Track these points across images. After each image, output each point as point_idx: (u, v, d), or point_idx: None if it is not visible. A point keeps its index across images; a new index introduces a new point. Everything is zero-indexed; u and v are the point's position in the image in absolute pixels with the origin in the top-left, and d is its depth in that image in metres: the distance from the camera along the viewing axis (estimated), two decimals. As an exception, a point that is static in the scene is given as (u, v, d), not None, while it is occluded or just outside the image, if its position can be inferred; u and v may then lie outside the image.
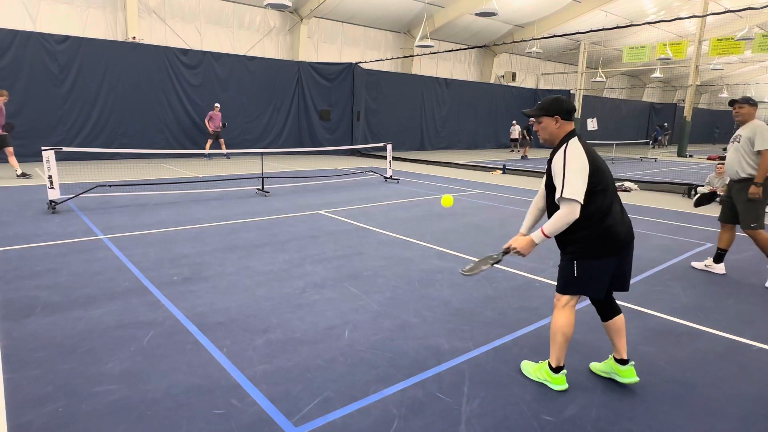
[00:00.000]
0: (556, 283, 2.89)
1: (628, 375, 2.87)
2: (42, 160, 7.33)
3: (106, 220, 6.82)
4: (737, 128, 4.97)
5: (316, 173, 13.21)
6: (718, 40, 20.27)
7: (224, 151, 12.02)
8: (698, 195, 5.33)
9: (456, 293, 4.35)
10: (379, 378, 2.90)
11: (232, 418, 2.49)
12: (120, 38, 16.93)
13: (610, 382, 2.93)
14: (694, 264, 5.38)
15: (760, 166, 4.64)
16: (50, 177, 7.20)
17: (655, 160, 21.51)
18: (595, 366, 3.07)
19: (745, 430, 2.51)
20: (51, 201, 7.23)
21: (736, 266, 5.41)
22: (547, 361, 2.90)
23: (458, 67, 28.91)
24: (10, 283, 4.27)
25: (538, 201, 3.03)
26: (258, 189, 9.82)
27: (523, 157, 20.36)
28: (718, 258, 5.20)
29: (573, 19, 25.29)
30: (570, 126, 2.78)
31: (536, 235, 2.73)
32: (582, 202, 2.58)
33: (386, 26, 24.70)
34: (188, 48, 17.06)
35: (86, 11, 16.57)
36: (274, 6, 14.55)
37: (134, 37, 16.89)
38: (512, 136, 24.13)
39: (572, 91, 29.16)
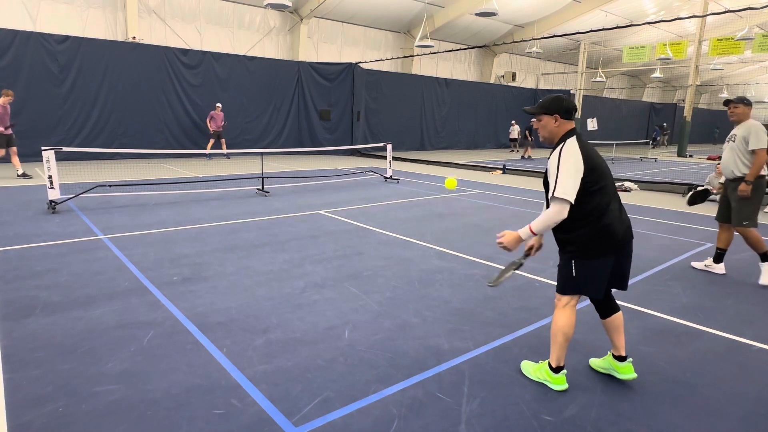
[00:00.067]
0: (556, 284, 2.89)
1: (626, 371, 2.90)
2: (42, 160, 7.33)
3: (106, 220, 6.82)
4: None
5: (316, 173, 13.21)
6: (718, 40, 20.27)
7: (224, 151, 12.03)
8: (691, 193, 5.34)
9: (456, 293, 4.35)
10: (379, 378, 2.90)
11: (232, 418, 2.49)
12: (120, 38, 16.93)
13: (610, 383, 2.93)
14: (694, 264, 5.38)
15: (752, 165, 4.71)
16: (50, 177, 7.20)
17: (655, 160, 21.51)
18: (594, 362, 3.10)
19: (745, 430, 2.51)
20: (51, 201, 7.23)
21: (736, 266, 5.41)
22: (547, 361, 2.90)
23: (458, 67, 28.91)
24: (10, 283, 4.27)
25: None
26: (258, 189, 9.82)
27: (523, 158, 20.35)
28: (718, 258, 5.20)
29: (573, 19, 25.30)
30: (570, 125, 2.78)
31: (523, 231, 2.73)
32: (572, 202, 2.60)
33: (386, 26, 24.70)
34: (188, 48, 17.06)
35: (86, 11, 16.57)
36: (274, 6, 14.55)
37: (134, 37, 16.90)
38: (511, 136, 24.14)
39: (572, 91, 29.15)
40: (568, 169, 2.61)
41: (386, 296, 4.23)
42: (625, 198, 10.13)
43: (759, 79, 42.98)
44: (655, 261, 5.56)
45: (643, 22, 15.13)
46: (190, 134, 16.74)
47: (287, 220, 7.16)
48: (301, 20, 21.05)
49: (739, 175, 4.83)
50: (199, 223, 6.82)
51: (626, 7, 25.62)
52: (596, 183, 2.65)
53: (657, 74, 31.52)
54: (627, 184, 11.84)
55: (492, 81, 29.49)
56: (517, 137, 24.06)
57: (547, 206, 2.83)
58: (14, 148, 10.32)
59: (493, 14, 16.82)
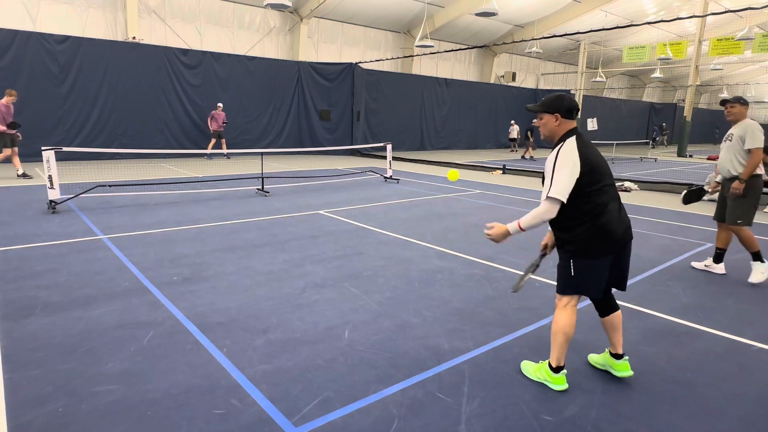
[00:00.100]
0: (556, 284, 2.90)
1: (622, 369, 2.94)
2: (42, 160, 7.33)
3: (106, 220, 6.82)
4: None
5: (316, 173, 13.21)
6: (718, 40, 20.27)
7: (224, 151, 12.03)
8: (686, 191, 5.35)
9: (456, 293, 4.35)
10: (379, 378, 2.90)
11: (232, 418, 2.49)
12: (120, 38, 16.94)
13: (610, 383, 2.93)
14: (694, 264, 5.38)
15: (748, 164, 4.73)
16: (50, 177, 7.20)
17: (655, 160, 21.51)
18: (593, 357, 3.15)
19: (745, 430, 2.51)
20: (51, 201, 7.23)
21: (736, 266, 5.41)
22: (547, 361, 2.90)
23: (458, 67, 28.91)
24: (10, 283, 4.27)
25: None
26: (258, 189, 9.82)
27: (524, 157, 20.36)
28: (718, 258, 5.20)
29: (573, 19, 25.30)
30: (570, 125, 2.78)
31: (512, 226, 2.77)
32: (564, 201, 2.64)
33: (386, 26, 24.70)
34: (188, 48, 17.06)
35: (86, 11, 16.58)
36: (274, 6, 14.55)
37: (134, 37, 16.90)
38: (511, 136, 24.18)
39: (572, 91, 29.16)
40: (563, 170, 2.63)
41: (386, 296, 4.23)
42: (625, 198, 10.13)
43: (759, 79, 42.98)
44: (655, 261, 5.56)
45: (643, 22, 15.13)
46: (190, 134, 16.74)
47: (287, 220, 7.16)
48: (301, 20, 21.05)
49: (735, 174, 4.86)
50: (199, 223, 6.82)
51: (626, 7, 25.62)
52: (594, 183, 2.66)
53: (657, 74, 31.53)
54: (627, 184, 11.84)
55: (492, 81, 29.49)
56: (516, 137, 24.08)
57: None
58: (15, 149, 10.35)
59: (493, 14, 16.83)
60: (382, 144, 12.89)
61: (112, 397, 2.64)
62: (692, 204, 5.77)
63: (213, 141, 15.98)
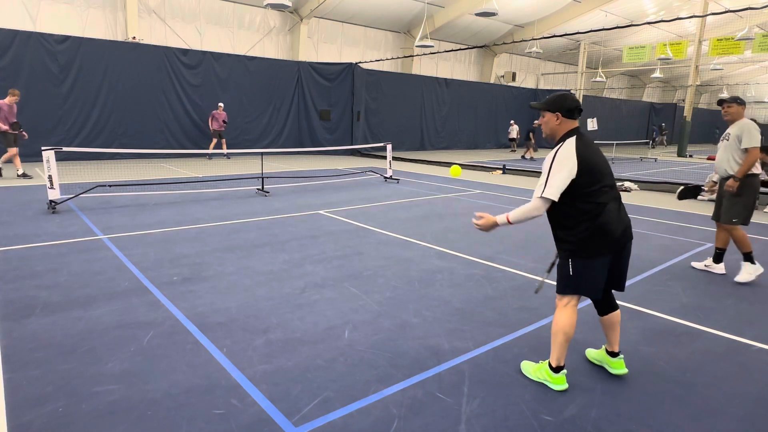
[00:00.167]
0: (556, 284, 2.90)
1: (617, 366, 2.98)
2: (42, 160, 7.33)
3: (106, 220, 6.82)
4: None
5: (316, 173, 13.21)
6: (718, 40, 20.27)
7: (224, 151, 12.04)
8: (682, 188, 5.36)
9: (456, 293, 4.35)
10: (379, 378, 2.90)
11: (232, 418, 2.49)
12: (120, 38, 16.94)
13: (610, 382, 2.93)
14: (694, 264, 5.39)
15: (743, 162, 4.76)
16: (50, 177, 7.20)
17: (655, 160, 21.52)
18: (590, 353, 3.19)
19: (745, 430, 2.51)
20: (51, 201, 7.23)
21: (736, 266, 5.40)
22: (547, 360, 2.90)
23: (458, 67, 28.91)
24: (10, 283, 4.27)
25: None
26: (258, 189, 9.82)
27: (524, 158, 20.36)
28: (718, 258, 5.20)
29: (573, 19, 25.30)
30: (571, 124, 2.79)
31: (500, 218, 2.84)
32: (555, 201, 2.67)
33: (386, 26, 24.70)
34: (188, 48, 17.06)
35: (86, 11, 16.57)
36: (274, 6, 14.55)
37: (134, 37, 16.90)
38: (510, 136, 24.21)
39: (572, 91, 29.15)
40: (559, 170, 2.66)
41: (386, 296, 4.23)
42: (625, 198, 10.13)
43: (759, 79, 42.97)
44: (655, 261, 5.56)
45: (643, 22, 15.13)
46: (190, 134, 16.74)
47: (287, 220, 7.16)
48: (301, 20, 21.05)
49: (732, 173, 4.89)
50: (199, 223, 6.82)
51: (626, 7, 25.62)
52: (593, 184, 2.67)
53: (657, 74, 31.52)
54: (627, 184, 11.84)
55: (492, 81, 29.49)
56: (516, 137, 24.11)
57: (550, 210, 2.85)
58: (16, 149, 10.38)
59: (493, 14, 16.82)
60: (382, 144, 12.89)
61: (112, 397, 2.64)
62: (693, 204, 5.78)
63: (214, 141, 16.00)
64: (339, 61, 21.51)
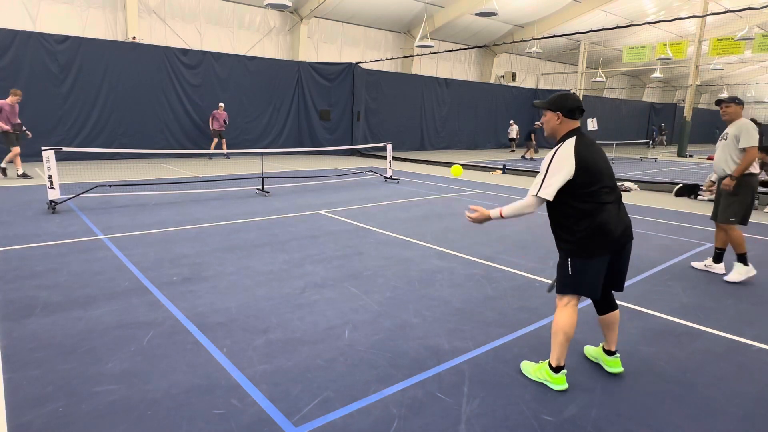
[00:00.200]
0: (555, 283, 2.91)
1: (613, 365, 3.01)
2: (42, 160, 7.33)
3: (106, 220, 6.82)
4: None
5: (316, 173, 13.21)
6: (718, 40, 20.27)
7: (224, 151, 12.04)
8: (679, 185, 5.38)
9: (456, 293, 4.35)
10: (379, 378, 2.90)
11: (232, 418, 2.49)
12: (120, 38, 16.94)
13: (610, 383, 2.93)
14: (694, 264, 5.39)
15: (741, 161, 4.78)
16: (50, 177, 7.20)
17: (655, 160, 21.52)
18: (588, 350, 3.23)
19: (745, 430, 2.51)
20: (51, 201, 7.23)
21: (736, 266, 5.41)
22: (547, 360, 2.90)
23: (458, 67, 28.92)
24: (10, 283, 4.27)
25: None
26: (258, 189, 9.82)
27: (524, 158, 20.37)
28: (718, 258, 5.21)
29: (573, 19, 25.30)
30: (572, 125, 2.79)
31: (494, 212, 2.94)
32: (550, 200, 2.72)
33: (386, 26, 24.70)
34: (188, 48, 17.06)
35: (86, 11, 16.57)
36: (274, 6, 14.55)
37: (134, 37, 16.90)
38: (510, 136, 24.23)
39: (572, 91, 29.14)
40: (555, 171, 2.68)
41: (386, 296, 4.23)
42: (625, 198, 10.13)
43: (759, 79, 42.98)
44: (655, 261, 5.56)
45: (643, 22, 15.13)
46: (190, 134, 16.74)
47: (287, 220, 7.16)
48: (301, 20, 21.05)
49: (730, 172, 4.91)
50: (199, 223, 6.82)
51: (626, 7, 25.62)
52: (592, 185, 2.68)
53: (657, 74, 31.53)
54: (627, 184, 11.84)
55: (492, 81, 29.49)
56: (515, 137, 24.13)
57: (548, 207, 2.87)
58: (18, 148, 10.40)
59: (493, 14, 16.82)
60: (382, 144, 12.89)
61: (112, 397, 2.64)
62: (693, 204, 5.79)
63: (215, 141, 16.01)
64: (339, 61, 21.51)
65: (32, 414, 2.47)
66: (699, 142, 41.54)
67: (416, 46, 20.32)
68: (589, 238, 2.70)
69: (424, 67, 26.54)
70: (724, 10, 12.77)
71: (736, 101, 4.89)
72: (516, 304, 4.14)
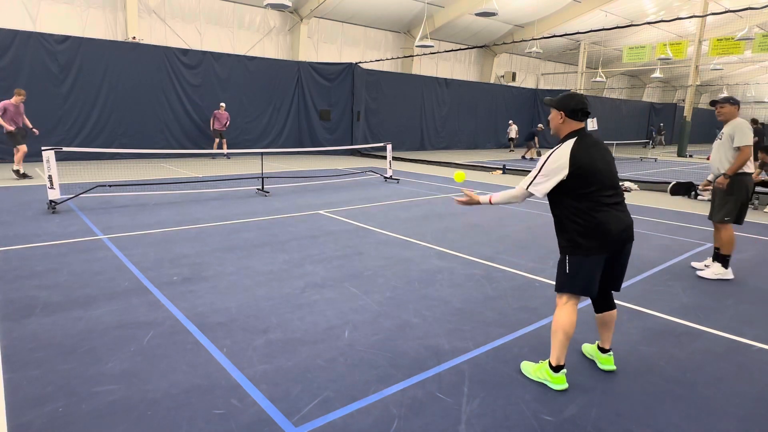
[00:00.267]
0: (555, 282, 2.92)
1: (605, 363, 3.06)
2: (42, 160, 7.33)
3: (106, 220, 6.82)
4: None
5: (316, 173, 13.21)
6: (718, 40, 20.27)
7: (224, 151, 12.04)
8: (674, 183, 5.38)
9: (456, 293, 4.35)
10: (379, 378, 2.90)
11: (232, 418, 2.49)
12: (120, 38, 16.94)
13: (610, 383, 2.93)
14: (694, 264, 5.39)
15: (735, 161, 4.80)
16: (50, 177, 7.20)
17: (655, 160, 21.52)
18: (585, 347, 3.27)
19: (745, 430, 2.51)
20: (51, 201, 7.23)
21: (736, 266, 5.40)
22: (547, 360, 2.90)
23: (458, 67, 28.91)
24: (10, 283, 4.27)
25: None
26: (258, 189, 9.82)
27: (524, 158, 20.38)
28: (717, 257, 5.20)
29: (573, 19, 25.30)
30: (574, 125, 2.81)
31: (483, 198, 3.08)
32: (539, 196, 2.81)
33: (386, 26, 24.70)
34: (188, 48, 17.06)
35: (86, 11, 16.57)
36: (274, 6, 14.55)
37: (134, 37, 16.90)
38: (509, 135, 24.24)
39: (570, 91, 29.12)
40: (549, 171, 2.74)
41: (386, 296, 4.23)
42: (625, 198, 10.12)
43: (759, 79, 42.98)
44: (655, 261, 5.56)
45: (643, 22, 15.13)
46: (190, 134, 16.74)
47: (287, 220, 7.16)
48: (301, 20, 21.05)
49: (724, 172, 4.90)
50: (199, 223, 6.82)
51: (626, 7, 25.62)
52: (588, 186, 2.71)
53: (657, 74, 31.54)
54: (627, 184, 11.84)
55: (492, 81, 29.49)
56: (514, 137, 24.15)
57: (550, 205, 2.89)
58: (24, 146, 10.42)
59: (493, 14, 16.83)
60: (382, 144, 12.88)
61: (112, 397, 2.64)
62: (693, 204, 5.79)
63: (216, 141, 16.02)
64: (339, 61, 21.51)
65: (32, 414, 2.47)
66: (699, 142, 41.52)
67: (416, 46, 20.32)
68: (587, 236, 2.72)
69: (424, 67, 26.54)
70: (724, 10, 12.77)
71: (730, 101, 4.92)
72: (516, 304, 4.14)
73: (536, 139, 20.70)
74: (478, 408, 2.63)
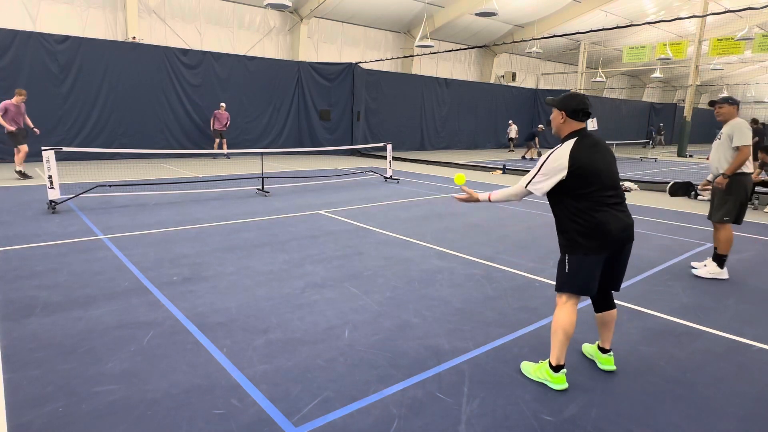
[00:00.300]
0: (555, 282, 2.92)
1: (606, 363, 3.06)
2: (42, 160, 7.33)
3: (106, 220, 6.82)
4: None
5: (316, 173, 13.21)
6: (718, 40, 20.27)
7: (225, 151, 12.03)
8: (672, 183, 5.38)
9: (456, 293, 4.35)
10: (379, 378, 2.90)
11: (232, 418, 2.49)
12: (120, 38, 16.94)
13: (610, 383, 2.94)
14: (694, 264, 5.38)
15: (733, 160, 4.81)
16: (50, 177, 7.20)
17: (655, 160, 21.52)
18: (585, 347, 3.28)
19: (745, 430, 2.51)
20: (51, 201, 7.23)
21: (736, 266, 5.41)
22: (547, 360, 2.90)
23: (458, 67, 28.91)
24: (10, 283, 4.27)
25: None
26: (258, 189, 9.82)
27: (524, 158, 20.38)
28: (715, 257, 5.20)
29: (573, 19, 25.30)
30: (575, 126, 2.81)
31: (482, 195, 3.11)
32: (538, 195, 2.83)
33: (386, 26, 24.70)
34: (188, 48, 17.06)
35: (86, 11, 16.57)
36: (274, 6, 14.55)
37: (134, 37, 16.90)
38: (509, 135, 24.24)
39: (572, 91, 29.11)
40: (548, 170, 2.75)
41: (386, 296, 4.23)
42: (626, 198, 10.12)
43: (759, 79, 42.98)
44: (655, 261, 5.56)
45: (643, 22, 15.13)
46: (190, 134, 16.74)
47: (287, 220, 7.16)
48: (301, 20, 21.04)
49: (724, 172, 4.91)
50: (199, 223, 6.82)
51: (626, 7, 25.62)
52: (588, 186, 2.71)
53: (657, 74, 31.54)
54: (627, 184, 11.84)
55: (492, 81, 29.49)
56: (514, 137, 24.15)
57: (550, 204, 2.90)
58: (26, 146, 10.43)
59: (493, 14, 16.83)
60: (382, 144, 12.88)
61: (112, 397, 2.64)
62: (693, 204, 5.79)
63: (217, 141, 16.03)
64: (339, 61, 21.51)
65: (32, 414, 2.47)
66: (699, 142, 41.52)
67: (416, 46, 20.32)
68: (587, 236, 2.72)
69: (424, 67, 26.54)
70: (724, 10, 12.77)
71: (729, 101, 4.92)
72: (516, 304, 4.14)
73: (537, 139, 20.71)
74: (478, 408, 2.63)
